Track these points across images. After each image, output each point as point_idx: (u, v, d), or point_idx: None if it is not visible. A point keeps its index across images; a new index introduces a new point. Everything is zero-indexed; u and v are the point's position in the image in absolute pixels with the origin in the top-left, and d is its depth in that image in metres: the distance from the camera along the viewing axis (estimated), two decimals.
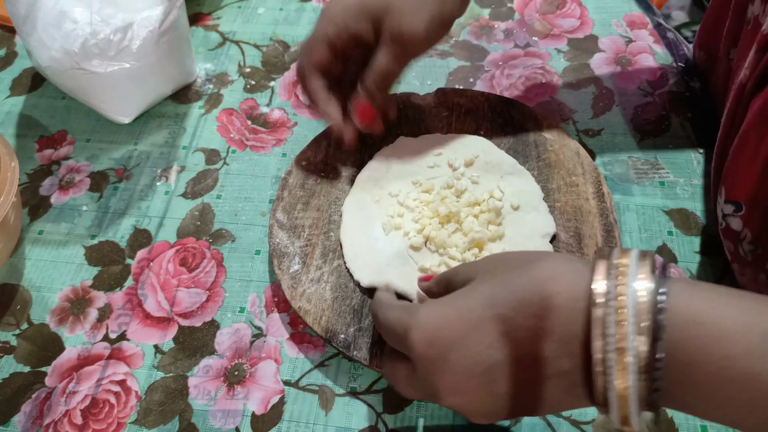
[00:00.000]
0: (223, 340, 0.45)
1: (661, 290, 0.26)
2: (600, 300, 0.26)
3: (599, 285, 0.27)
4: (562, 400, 0.29)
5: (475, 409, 0.30)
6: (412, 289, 0.43)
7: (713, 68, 0.54)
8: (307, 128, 0.57)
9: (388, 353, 0.36)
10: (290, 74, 0.61)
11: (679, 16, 0.73)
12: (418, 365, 0.31)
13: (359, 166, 0.51)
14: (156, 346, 0.45)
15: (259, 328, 0.46)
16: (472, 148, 0.50)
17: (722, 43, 0.50)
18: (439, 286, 0.35)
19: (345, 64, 0.47)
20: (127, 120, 0.57)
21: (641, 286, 0.26)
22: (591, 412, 0.41)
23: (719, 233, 0.44)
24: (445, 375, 0.30)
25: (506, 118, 0.53)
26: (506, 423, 0.41)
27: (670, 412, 0.40)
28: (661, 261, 0.28)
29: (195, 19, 0.66)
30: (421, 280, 0.38)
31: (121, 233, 0.51)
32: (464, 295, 0.30)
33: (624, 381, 0.25)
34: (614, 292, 0.26)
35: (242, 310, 0.46)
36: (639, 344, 0.25)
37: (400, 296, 0.43)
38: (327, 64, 0.45)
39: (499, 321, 0.28)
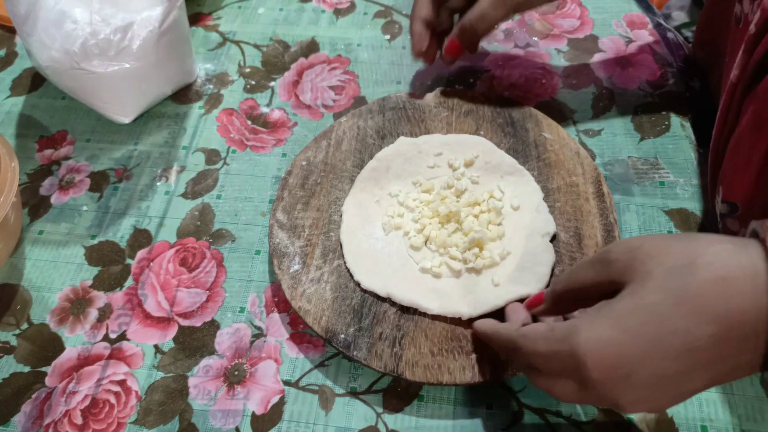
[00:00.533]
0: (223, 340, 0.45)
1: None
2: None
3: None
4: (736, 378, 0.29)
5: (659, 408, 0.32)
6: (415, 296, 0.43)
7: (712, 67, 0.54)
8: (307, 128, 0.57)
9: (528, 369, 0.35)
10: (290, 74, 0.61)
11: (679, 16, 0.74)
12: (596, 386, 0.30)
13: (359, 166, 0.51)
14: (156, 346, 0.45)
15: (259, 328, 0.45)
16: (472, 148, 0.50)
17: (720, 42, 0.50)
18: (558, 301, 0.34)
19: (451, 15, 0.52)
20: (127, 120, 0.57)
21: None
22: (591, 412, 0.41)
23: (719, 232, 0.44)
24: (630, 391, 0.29)
25: (506, 118, 0.53)
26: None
27: (670, 412, 0.40)
28: None
29: (195, 19, 0.66)
30: (529, 305, 0.37)
31: (121, 233, 0.51)
32: (628, 309, 0.29)
33: None
34: None
35: (242, 310, 0.46)
36: None
37: (405, 308, 0.43)
38: (432, 17, 0.50)
39: (679, 335, 0.28)
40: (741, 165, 0.40)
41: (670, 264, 0.28)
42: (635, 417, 0.40)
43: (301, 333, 0.45)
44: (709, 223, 0.48)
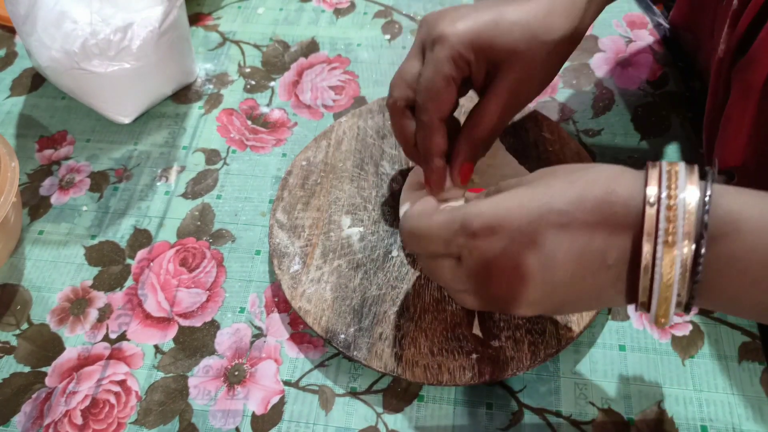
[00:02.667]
0: (223, 340, 0.45)
1: (707, 193, 0.28)
2: (653, 198, 0.28)
3: (652, 188, 0.28)
4: (602, 293, 0.31)
5: (523, 296, 0.31)
6: None
7: (698, 48, 0.55)
8: (307, 128, 0.57)
9: (423, 260, 0.36)
10: (290, 74, 0.61)
11: None
12: (473, 253, 0.31)
13: (359, 166, 0.51)
14: (156, 346, 0.45)
15: (259, 328, 0.46)
16: None
17: (703, 21, 0.51)
18: (490, 194, 0.35)
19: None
20: (127, 120, 0.57)
21: (691, 187, 0.28)
22: (591, 412, 0.41)
23: None
24: (501, 260, 0.30)
25: None
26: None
27: (670, 412, 0.40)
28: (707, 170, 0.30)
29: (195, 19, 0.66)
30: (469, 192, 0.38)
31: (121, 233, 0.51)
32: (524, 189, 0.31)
33: (670, 270, 0.28)
34: (666, 194, 0.28)
35: (242, 310, 0.46)
36: (686, 240, 0.27)
37: (405, 308, 0.43)
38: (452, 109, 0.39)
39: (560, 214, 0.29)
40: (733, 133, 0.41)
41: (570, 169, 0.32)
42: (634, 416, 0.40)
43: (301, 333, 0.45)
44: None
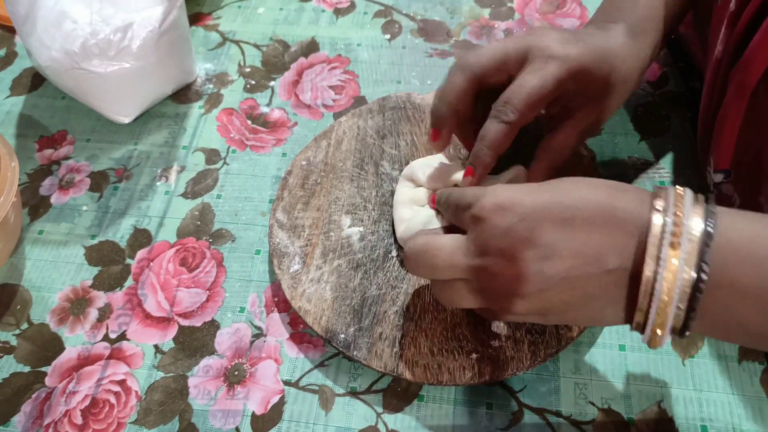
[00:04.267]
0: (223, 340, 0.45)
1: (710, 220, 0.28)
2: (658, 221, 0.29)
3: (659, 203, 0.30)
4: (594, 300, 0.31)
5: (517, 286, 0.31)
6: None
7: (699, 46, 0.55)
8: (307, 128, 0.57)
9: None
10: (290, 74, 0.61)
11: None
12: (478, 227, 0.32)
13: (359, 165, 0.51)
14: (156, 346, 0.45)
15: (259, 328, 0.46)
16: None
17: (694, 19, 0.52)
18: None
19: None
20: (127, 120, 0.57)
21: (696, 218, 0.29)
22: (591, 412, 0.41)
23: None
24: (504, 239, 0.31)
25: None
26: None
27: (670, 412, 0.40)
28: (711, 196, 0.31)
29: (195, 19, 0.66)
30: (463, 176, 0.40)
31: (121, 233, 0.51)
32: (538, 185, 0.33)
33: (669, 294, 0.28)
34: (672, 215, 0.29)
35: (242, 310, 0.46)
36: (687, 267, 0.28)
37: (405, 307, 0.43)
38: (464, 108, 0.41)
39: (564, 208, 0.30)
40: (728, 133, 0.42)
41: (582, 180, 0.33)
42: (635, 416, 0.40)
43: (301, 333, 0.45)
44: None
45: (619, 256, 0.30)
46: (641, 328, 0.30)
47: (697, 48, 0.56)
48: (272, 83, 0.60)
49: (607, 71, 0.39)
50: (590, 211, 0.30)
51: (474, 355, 0.41)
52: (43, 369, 0.44)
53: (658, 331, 0.29)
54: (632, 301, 0.30)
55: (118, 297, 0.47)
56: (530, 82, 0.38)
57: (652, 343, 0.30)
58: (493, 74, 0.40)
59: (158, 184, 0.54)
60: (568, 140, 0.42)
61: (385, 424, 0.41)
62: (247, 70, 0.62)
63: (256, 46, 0.64)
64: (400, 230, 0.44)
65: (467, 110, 0.41)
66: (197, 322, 0.46)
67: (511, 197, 0.32)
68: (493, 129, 0.39)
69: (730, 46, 0.41)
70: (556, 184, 0.32)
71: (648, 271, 0.28)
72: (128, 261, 0.49)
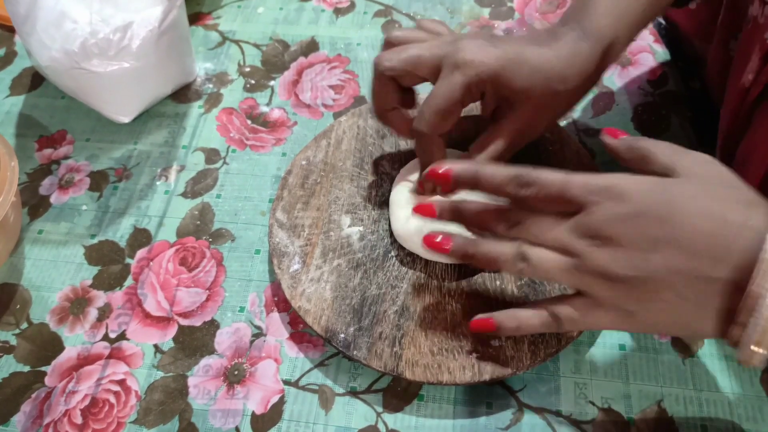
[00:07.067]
0: (222, 339, 0.45)
1: None
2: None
3: None
4: (693, 309, 0.30)
5: (616, 264, 0.31)
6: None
7: (698, 47, 0.54)
8: (307, 128, 0.57)
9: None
10: (290, 73, 0.61)
11: None
12: (599, 209, 0.31)
13: (359, 165, 0.51)
14: (156, 346, 0.45)
15: (259, 328, 0.45)
16: None
17: (717, 32, 0.50)
18: (632, 153, 0.35)
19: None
20: (127, 120, 0.57)
21: None
22: (591, 412, 0.41)
23: None
24: (621, 225, 0.31)
25: None
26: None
27: (670, 411, 0.40)
28: None
29: (195, 18, 0.66)
30: (604, 133, 0.37)
31: (120, 233, 0.51)
32: (676, 182, 0.31)
33: None
34: None
35: (242, 309, 0.46)
36: None
37: (405, 307, 0.43)
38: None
39: (690, 194, 0.31)
40: (758, 164, 0.41)
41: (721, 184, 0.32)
42: (635, 416, 0.40)
43: (300, 332, 0.45)
44: None
45: (726, 265, 0.29)
46: (736, 343, 0.30)
47: (696, 48, 0.56)
48: (272, 83, 0.60)
49: (525, 75, 0.38)
50: (705, 222, 0.30)
51: (474, 355, 0.41)
52: (43, 369, 0.44)
53: (756, 348, 0.29)
54: (730, 314, 0.29)
55: (117, 297, 0.47)
56: (437, 92, 0.39)
57: (748, 359, 0.29)
58: (405, 78, 0.41)
59: (158, 183, 0.54)
60: (498, 144, 0.41)
61: (385, 424, 0.41)
62: (247, 69, 0.62)
63: (256, 46, 0.64)
64: (398, 230, 0.44)
65: (395, 104, 0.43)
66: (197, 322, 0.46)
67: (629, 187, 0.31)
68: (417, 143, 0.41)
69: (762, 80, 0.40)
70: (688, 189, 0.32)
71: (756, 287, 0.28)
72: (128, 261, 0.49)
